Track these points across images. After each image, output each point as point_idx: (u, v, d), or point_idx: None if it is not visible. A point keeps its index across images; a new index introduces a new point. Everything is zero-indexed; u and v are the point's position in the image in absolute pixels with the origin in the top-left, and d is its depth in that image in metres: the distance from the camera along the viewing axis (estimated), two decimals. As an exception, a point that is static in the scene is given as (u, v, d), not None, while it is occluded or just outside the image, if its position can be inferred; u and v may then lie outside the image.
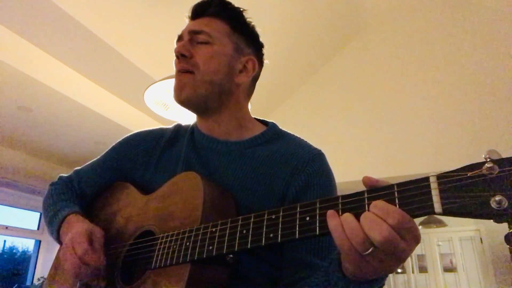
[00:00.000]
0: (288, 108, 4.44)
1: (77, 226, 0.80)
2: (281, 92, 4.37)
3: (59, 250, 0.95)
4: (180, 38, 0.87)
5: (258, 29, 0.90)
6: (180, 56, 0.83)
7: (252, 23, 0.89)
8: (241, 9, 0.89)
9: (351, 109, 4.11)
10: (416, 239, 0.49)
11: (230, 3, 0.88)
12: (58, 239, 0.87)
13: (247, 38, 0.88)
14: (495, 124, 3.38)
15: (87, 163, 1.00)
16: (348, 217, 0.50)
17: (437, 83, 3.77)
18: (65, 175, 1.00)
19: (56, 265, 0.94)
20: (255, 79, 0.91)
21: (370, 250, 0.48)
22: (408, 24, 4.05)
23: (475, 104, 3.53)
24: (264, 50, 0.92)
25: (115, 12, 2.62)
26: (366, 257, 0.49)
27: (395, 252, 0.48)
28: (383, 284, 0.58)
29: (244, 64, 0.86)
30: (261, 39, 0.91)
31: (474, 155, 0.48)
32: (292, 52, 3.88)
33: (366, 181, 0.53)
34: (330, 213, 0.52)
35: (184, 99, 0.83)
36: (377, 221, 0.47)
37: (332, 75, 4.37)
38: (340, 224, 0.50)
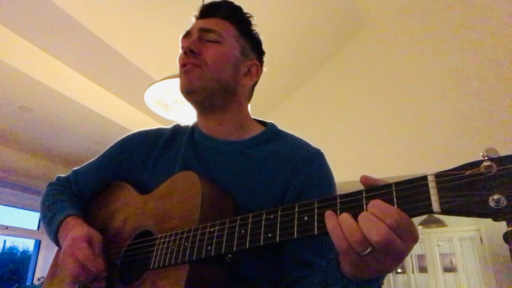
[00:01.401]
0: (288, 108, 4.44)
1: (76, 230, 0.79)
2: (281, 92, 4.37)
3: (57, 252, 0.95)
4: (188, 34, 0.88)
5: (262, 37, 0.92)
6: (189, 51, 0.82)
7: (256, 31, 0.91)
8: (249, 15, 0.91)
9: (350, 109, 4.11)
10: (415, 239, 0.48)
11: (240, 8, 0.90)
12: (56, 241, 0.87)
13: (253, 44, 0.90)
14: (494, 122, 3.38)
15: (85, 163, 1.00)
16: (346, 217, 0.50)
17: (437, 83, 3.77)
18: (63, 175, 1.00)
19: (55, 267, 0.93)
20: (255, 83, 0.93)
21: (368, 250, 0.48)
22: (408, 24, 4.04)
23: (474, 104, 3.53)
24: (265, 58, 0.94)
25: (115, 12, 2.62)
26: (364, 257, 0.49)
27: (393, 252, 0.47)
28: (382, 283, 0.57)
29: (249, 67, 0.88)
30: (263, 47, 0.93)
31: (473, 154, 0.47)
32: (292, 52, 3.88)
33: (364, 180, 0.52)
34: (328, 213, 0.52)
35: (192, 90, 0.83)
36: (375, 221, 0.47)
37: (331, 75, 4.36)
38: (338, 225, 0.50)
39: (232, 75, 0.84)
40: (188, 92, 0.83)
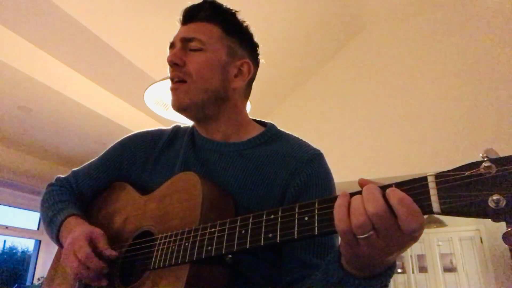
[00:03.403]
0: (288, 108, 4.44)
1: (77, 229, 0.80)
2: (280, 92, 4.37)
3: (57, 252, 0.95)
4: (172, 45, 0.86)
5: (252, 29, 0.89)
6: (173, 65, 0.82)
7: (246, 23, 0.88)
8: (234, 11, 0.87)
9: (350, 109, 4.11)
10: (416, 229, 0.47)
11: (221, 6, 0.86)
12: (58, 242, 0.87)
13: (241, 40, 0.86)
14: (493, 123, 3.38)
15: (84, 164, 0.99)
16: (358, 198, 0.50)
17: (437, 83, 3.77)
18: (63, 176, 1.00)
19: (55, 267, 0.94)
20: (251, 80, 0.90)
21: (366, 235, 0.48)
22: (408, 25, 4.05)
23: (474, 104, 3.54)
24: (259, 50, 0.90)
25: (115, 12, 2.62)
26: (361, 244, 0.49)
27: (390, 237, 0.48)
28: (384, 285, 0.57)
29: (239, 68, 0.85)
30: (256, 39, 0.90)
31: (473, 155, 0.48)
32: (292, 52, 3.88)
33: (362, 182, 0.53)
34: (343, 192, 0.52)
35: (182, 107, 0.82)
36: (376, 194, 0.48)
37: (331, 75, 4.37)
38: (346, 204, 0.50)
39: (220, 81, 0.82)
40: (179, 110, 0.83)
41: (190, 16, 0.85)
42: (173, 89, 0.83)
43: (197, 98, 0.81)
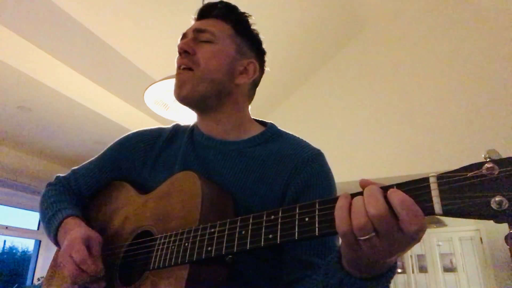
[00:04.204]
0: (288, 108, 4.44)
1: (75, 231, 0.79)
2: (281, 92, 4.37)
3: (56, 252, 0.95)
4: (184, 36, 0.88)
5: (262, 36, 0.92)
6: (183, 52, 0.84)
7: (256, 30, 0.91)
8: (247, 14, 0.90)
9: (351, 109, 4.11)
10: (418, 229, 0.47)
11: (236, 7, 0.90)
12: (56, 242, 0.87)
13: (250, 43, 0.89)
14: (495, 123, 3.38)
15: (84, 163, 0.99)
16: (359, 199, 0.50)
17: (437, 83, 3.77)
18: (62, 175, 1.00)
19: (54, 268, 0.93)
20: (255, 83, 0.92)
21: (367, 236, 0.48)
22: (408, 25, 4.05)
23: (475, 104, 3.53)
24: (266, 58, 0.93)
25: (115, 12, 2.62)
26: (362, 246, 0.49)
27: (391, 239, 0.47)
28: (385, 286, 0.57)
29: (245, 66, 0.87)
30: (264, 47, 0.93)
31: (474, 155, 0.47)
32: (292, 52, 3.88)
33: (363, 183, 0.52)
34: (343, 194, 0.52)
35: (183, 96, 0.83)
36: (378, 196, 0.48)
37: (332, 75, 4.37)
38: (347, 205, 0.50)
39: (225, 75, 0.84)
40: (180, 99, 0.84)
41: (205, 12, 0.89)
42: (178, 77, 0.84)
43: (200, 87, 0.82)
